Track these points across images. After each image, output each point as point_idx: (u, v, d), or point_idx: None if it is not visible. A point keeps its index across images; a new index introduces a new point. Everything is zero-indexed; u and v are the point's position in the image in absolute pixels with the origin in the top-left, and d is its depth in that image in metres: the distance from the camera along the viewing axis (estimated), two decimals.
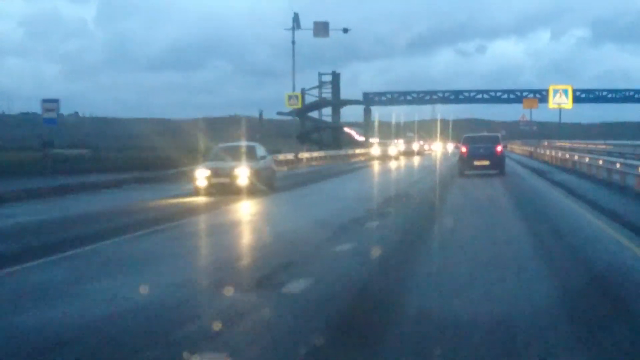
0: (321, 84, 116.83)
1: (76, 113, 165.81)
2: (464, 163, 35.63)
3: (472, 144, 36.01)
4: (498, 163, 35.15)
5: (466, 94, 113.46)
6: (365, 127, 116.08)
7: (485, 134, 48.86)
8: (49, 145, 41.12)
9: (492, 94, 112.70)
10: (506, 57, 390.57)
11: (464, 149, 36.00)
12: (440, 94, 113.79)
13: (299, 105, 57.07)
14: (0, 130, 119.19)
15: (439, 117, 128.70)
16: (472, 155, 35.45)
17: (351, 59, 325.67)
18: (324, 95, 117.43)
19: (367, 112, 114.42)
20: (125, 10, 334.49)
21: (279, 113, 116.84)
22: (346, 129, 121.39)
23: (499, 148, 36.02)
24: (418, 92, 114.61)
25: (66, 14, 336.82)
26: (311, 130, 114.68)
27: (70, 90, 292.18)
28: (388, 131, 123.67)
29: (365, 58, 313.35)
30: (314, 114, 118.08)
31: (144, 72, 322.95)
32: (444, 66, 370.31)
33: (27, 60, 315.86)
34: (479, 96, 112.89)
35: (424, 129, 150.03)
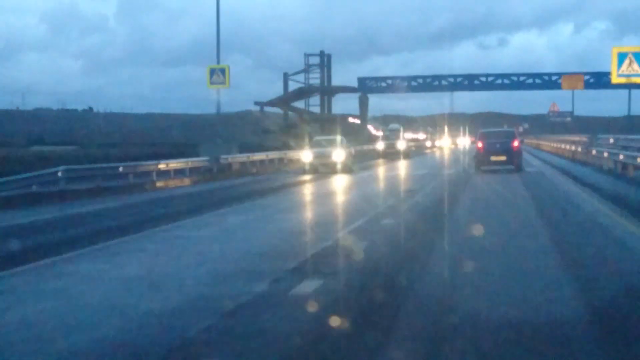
0: (308, 68, 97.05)
1: (90, 109, 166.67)
2: (480, 158, 35.29)
3: (488, 140, 35.31)
4: (515, 159, 34.64)
5: (482, 79, 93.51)
6: (361, 120, 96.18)
7: (501, 129, 47.89)
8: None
9: (514, 78, 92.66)
10: (528, 50, 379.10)
11: (479, 145, 35.61)
12: (451, 79, 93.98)
13: (226, 85, 37.22)
14: (8, 126, 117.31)
15: (448, 107, 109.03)
16: (488, 150, 34.82)
17: (370, 53, 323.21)
18: (311, 81, 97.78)
19: (364, 101, 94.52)
20: (145, 5, 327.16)
21: (257, 103, 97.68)
22: (351, 120, 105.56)
23: (516, 143, 35.15)
24: (424, 77, 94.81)
25: (86, 9, 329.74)
26: (292, 124, 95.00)
27: (89, 85, 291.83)
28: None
29: (385, 52, 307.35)
30: (300, 105, 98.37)
31: (162, 67, 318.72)
32: (465, 60, 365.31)
33: (46, 55, 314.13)
34: (498, 81, 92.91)
35: (434, 124, 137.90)
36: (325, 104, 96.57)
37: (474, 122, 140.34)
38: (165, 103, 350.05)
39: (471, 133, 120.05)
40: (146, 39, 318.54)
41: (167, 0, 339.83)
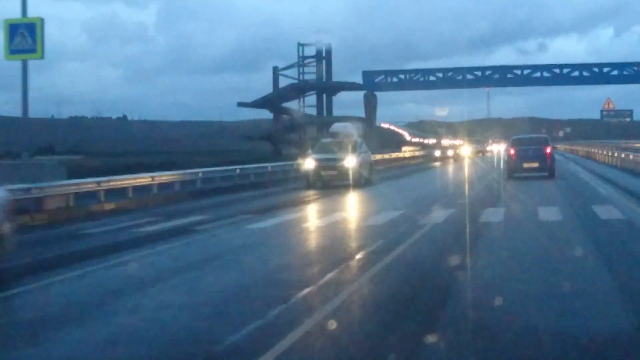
0: (301, 61, 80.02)
1: (125, 117, 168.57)
2: (513, 165, 34.70)
3: (521, 146, 34.72)
4: (548, 165, 34.21)
5: (517, 72, 75.60)
6: (368, 122, 78.63)
7: (533, 135, 44.39)
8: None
9: (556, 70, 74.68)
10: (567, 55, 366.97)
11: (512, 151, 34.91)
12: (478, 72, 76.30)
13: (38, 54, 19.59)
14: (40, 134, 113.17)
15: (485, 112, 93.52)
16: (521, 157, 34.11)
17: (408, 60, 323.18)
18: (307, 77, 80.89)
19: (370, 100, 77.04)
20: (184, 14, 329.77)
21: (241, 104, 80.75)
22: (385, 125, 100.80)
23: (548, 150, 34.38)
24: (444, 70, 77.13)
25: (126, 18, 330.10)
26: (283, 129, 77.99)
27: (127, 94, 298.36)
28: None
29: (423, 58, 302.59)
30: (293, 105, 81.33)
31: (201, 74, 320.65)
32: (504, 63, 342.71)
33: (86, 64, 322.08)
34: (536, 74, 74.95)
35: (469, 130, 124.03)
36: (324, 103, 79.24)
37: (511, 127, 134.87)
38: (203, 110, 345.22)
39: (507, 138, 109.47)
40: (185, 47, 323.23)
41: (205, 9, 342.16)
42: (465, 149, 73.06)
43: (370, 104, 76.91)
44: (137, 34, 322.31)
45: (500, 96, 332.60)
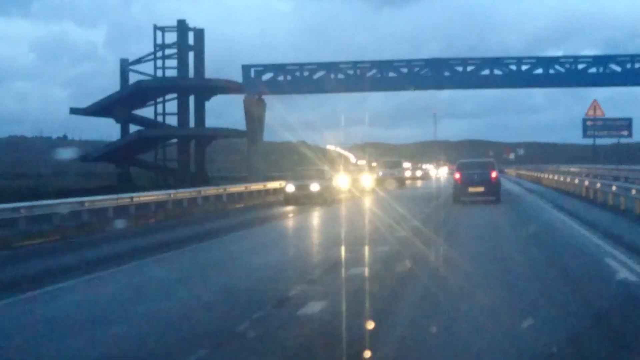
0: (158, 51, 57.63)
1: (65, 136, 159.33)
2: (459, 189, 34.75)
3: (466, 170, 35.09)
4: (493, 189, 34.03)
5: (458, 69, 54.34)
6: (251, 136, 56.57)
7: (479, 159, 44.68)
8: None
9: (513, 67, 53.53)
10: None
11: (457, 175, 35.32)
12: (403, 69, 54.77)
13: None
14: None
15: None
16: (467, 181, 34.33)
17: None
18: (168, 73, 58.56)
19: (252, 106, 54.85)
20: (134, 33, 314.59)
21: (74, 111, 57.76)
22: (331, 147, 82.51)
23: (494, 174, 34.59)
24: (354, 65, 55.26)
25: (75, 37, 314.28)
26: (133, 146, 55.37)
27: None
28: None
29: None
30: (148, 112, 58.98)
31: None
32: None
33: (34, 84, 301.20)
34: (485, 71, 53.88)
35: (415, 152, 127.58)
36: (190, 109, 56.78)
37: (457, 150, 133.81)
38: None
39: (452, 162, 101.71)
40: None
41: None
42: (367, 177, 49.65)
43: (253, 112, 54.43)
44: (86, 53, 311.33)
45: (449, 120, 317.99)
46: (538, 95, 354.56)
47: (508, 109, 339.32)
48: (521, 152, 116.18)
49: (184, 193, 31.43)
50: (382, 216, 24.53)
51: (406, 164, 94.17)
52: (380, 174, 57.95)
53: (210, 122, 60.00)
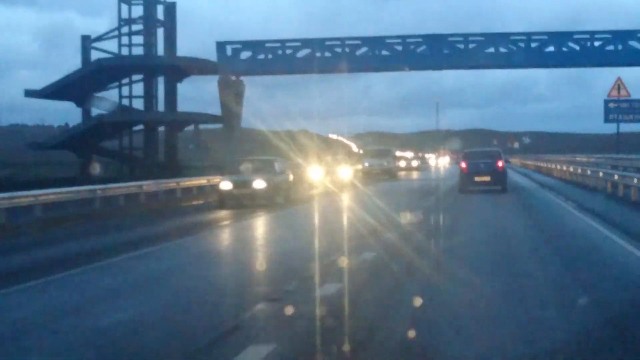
0: (123, 26, 51.77)
1: (67, 124, 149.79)
2: (465, 179, 34.13)
3: (472, 160, 34.60)
4: (499, 179, 33.58)
5: (459, 46, 48.51)
6: (227, 122, 50.84)
7: (486, 148, 46.15)
8: None
9: (521, 44, 47.60)
10: (522, 69, 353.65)
11: (463, 165, 34.63)
12: (398, 46, 49.07)
13: None
14: None
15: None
16: (473, 171, 33.90)
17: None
18: (136, 51, 52.83)
19: (228, 87, 49.05)
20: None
21: (29, 93, 51.94)
22: (333, 136, 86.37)
23: (500, 163, 34.14)
24: (344, 41, 49.43)
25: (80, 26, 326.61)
26: (94, 131, 49.62)
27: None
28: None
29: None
30: (112, 95, 53.03)
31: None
32: (459, 77, 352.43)
33: (35, 72, 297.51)
34: (489, 49, 48.09)
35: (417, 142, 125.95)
36: (155, 91, 51.05)
37: (460, 139, 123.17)
38: None
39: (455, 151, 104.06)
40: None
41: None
42: (345, 169, 42.22)
43: (229, 94, 48.49)
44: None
45: (452, 109, 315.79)
46: (545, 80, 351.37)
47: (512, 97, 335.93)
48: (527, 140, 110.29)
49: (116, 189, 25.38)
50: (344, 229, 17.09)
51: (403, 153, 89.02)
52: (366, 164, 50.83)
53: (190, 108, 54.20)
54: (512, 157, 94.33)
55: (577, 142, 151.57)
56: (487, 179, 33.38)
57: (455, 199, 27.68)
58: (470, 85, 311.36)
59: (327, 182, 35.67)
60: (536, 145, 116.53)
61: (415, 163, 74.62)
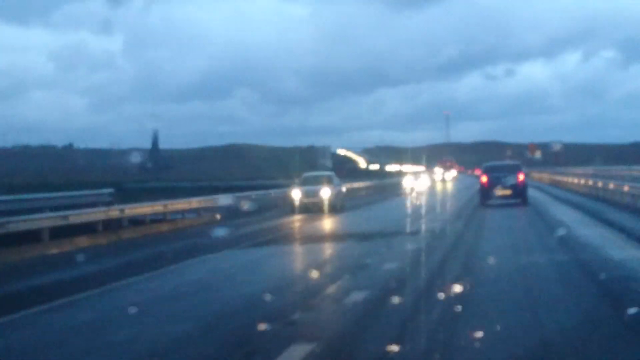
0: None
1: (70, 145, 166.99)
2: (485, 193, 35.26)
3: (493, 173, 35.54)
4: (520, 192, 34.64)
5: None
6: None
7: (506, 162, 48.28)
8: None
9: None
10: (534, 80, 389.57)
11: (484, 179, 35.58)
12: None
13: None
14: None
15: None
16: (493, 184, 34.95)
17: (378, 85, 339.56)
18: None
19: None
20: (150, 42, 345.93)
21: None
22: (341, 152, 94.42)
23: (521, 177, 34.96)
24: None
25: (93, 46, 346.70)
26: None
27: (94, 121, 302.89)
28: None
29: (392, 84, 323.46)
30: None
31: (167, 103, 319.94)
32: (471, 89, 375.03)
33: (51, 93, 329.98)
34: None
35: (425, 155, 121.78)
36: None
37: (471, 152, 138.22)
38: (170, 138, 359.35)
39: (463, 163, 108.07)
40: (152, 75, 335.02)
41: (172, 37, 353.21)
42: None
43: None
44: (104, 62, 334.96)
45: (462, 122, 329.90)
46: (558, 91, 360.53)
47: (524, 109, 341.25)
48: (558, 147, 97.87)
49: None
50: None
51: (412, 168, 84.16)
52: (298, 193, 36.63)
53: None
54: (535, 170, 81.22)
55: (599, 152, 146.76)
56: (508, 192, 34.41)
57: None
58: (480, 98, 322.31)
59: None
60: (563, 155, 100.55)
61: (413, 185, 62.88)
